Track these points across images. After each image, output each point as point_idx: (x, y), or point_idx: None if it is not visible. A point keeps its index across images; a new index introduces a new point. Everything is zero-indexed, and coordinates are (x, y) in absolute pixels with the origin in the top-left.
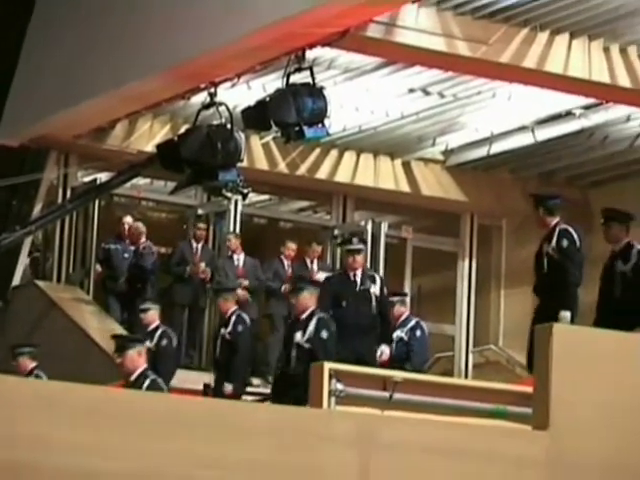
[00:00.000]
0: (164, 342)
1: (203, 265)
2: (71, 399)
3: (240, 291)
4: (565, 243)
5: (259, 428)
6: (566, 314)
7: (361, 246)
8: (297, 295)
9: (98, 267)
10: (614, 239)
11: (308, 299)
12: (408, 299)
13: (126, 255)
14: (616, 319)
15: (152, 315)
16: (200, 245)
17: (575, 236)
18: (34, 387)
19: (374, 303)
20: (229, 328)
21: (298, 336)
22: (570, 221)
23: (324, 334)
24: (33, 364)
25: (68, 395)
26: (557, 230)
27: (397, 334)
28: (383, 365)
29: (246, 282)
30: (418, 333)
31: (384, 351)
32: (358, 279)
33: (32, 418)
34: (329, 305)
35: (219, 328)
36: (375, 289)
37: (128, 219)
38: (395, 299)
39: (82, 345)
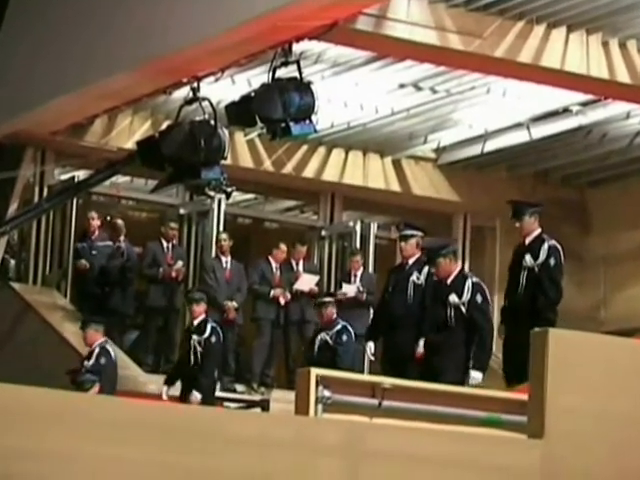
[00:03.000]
0: None
1: (180, 263)
2: (38, 405)
3: (230, 303)
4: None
5: (244, 436)
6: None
7: (408, 232)
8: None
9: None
10: (527, 232)
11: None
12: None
13: (94, 252)
14: (520, 316)
15: None
16: (171, 245)
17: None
18: None
19: (410, 292)
20: (204, 335)
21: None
22: (566, 222)
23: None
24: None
25: (34, 400)
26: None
27: (321, 337)
28: (418, 360)
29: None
30: (344, 337)
31: (422, 345)
32: (408, 268)
33: None
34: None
35: (190, 335)
36: (418, 277)
37: (93, 214)
38: (327, 300)
39: (58, 349)
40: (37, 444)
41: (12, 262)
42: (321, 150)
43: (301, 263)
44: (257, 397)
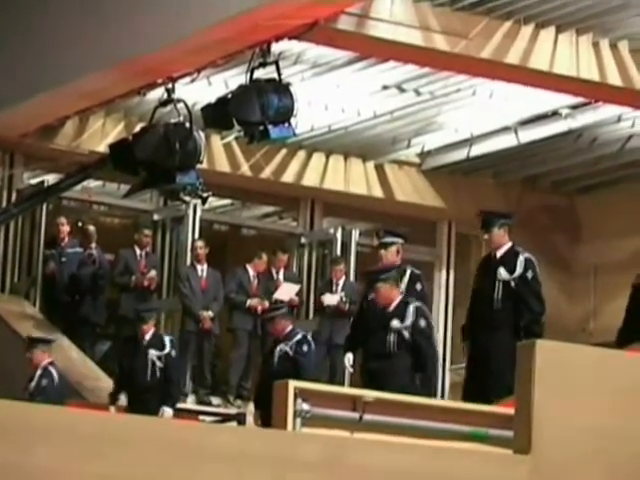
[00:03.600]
0: None
1: (153, 272)
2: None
3: (205, 312)
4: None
5: (218, 451)
6: None
7: (388, 239)
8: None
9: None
10: (497, 245)
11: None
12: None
13: (64, 259)
14: (496, 331)
15: None
16: (144, 252)
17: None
18: None
19: None
20: (165, 350)
21: None
22: (555, 230)
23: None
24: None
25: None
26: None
27: (281, 348)
28: None
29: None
30: (305, 347)
31: None
32: None
33: None
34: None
35: (146, 350)
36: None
37: (62, 220)
38: (275, 314)
39: (28, 361)
40: (23, 459)
41: None
42: (301, 154)
43: (281, 272)
44: (233, 410)
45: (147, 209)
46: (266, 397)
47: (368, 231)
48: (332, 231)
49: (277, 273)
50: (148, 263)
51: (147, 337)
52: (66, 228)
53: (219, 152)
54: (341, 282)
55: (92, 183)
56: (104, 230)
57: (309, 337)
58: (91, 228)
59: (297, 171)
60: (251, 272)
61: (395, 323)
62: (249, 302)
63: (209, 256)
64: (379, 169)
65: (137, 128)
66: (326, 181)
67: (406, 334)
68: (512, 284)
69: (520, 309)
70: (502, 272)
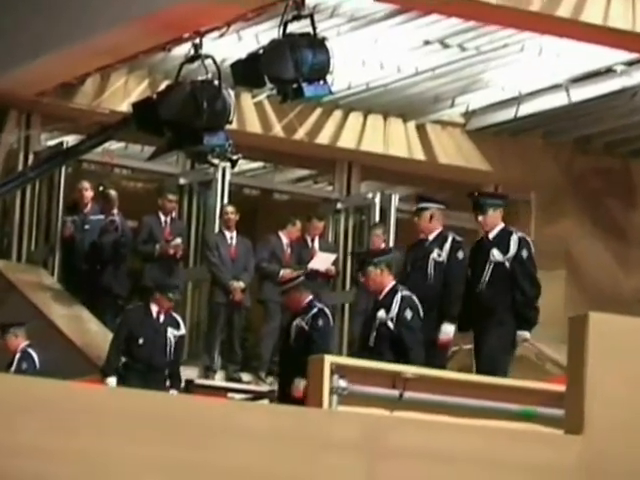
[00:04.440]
0: None
1: (179, 239)
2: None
3: (236, 283)
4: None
5: (250, 430)
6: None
7: (423, 205)
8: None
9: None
10: (490, 227)
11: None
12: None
13: (87, 227)
14: (482, 312)
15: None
16: (169, 218)
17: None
18: None
19: (430, 271)
20: (181, 331)
21: None
22: (609, 195)
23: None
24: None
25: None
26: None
27: (297, 323)
28: (445, 346)
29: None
30: (320, 322)
31: (444, 330)
32: (428, 244)
33: None
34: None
35: (165, 328)
36: (439, 253)
37: (85, 184)
38: (288, 286)
39: (45, 333)
40: (10, 436)
41: None
42: (337, 114)
43: (317, 240)
44: (265, 387)
45: (173, 172)
46: (285, 375)
47: (408, 196)
48: (370, 196)
49: (312, 241)
50: (173, 230)
51: (162, 315)
52: (89, 193)
53: (250, 112)
54: None
55: (114, 145)
56: (127, 195)
57: (327, 310)
58: (112, 193)
59: (333, 132)
60: (284, 240)
61: (381, 314)
62: (282, 272)
63: (239, 223)
64: (421, 129)
65: (162, 86)
66: (364, 142)
67: (390, 325)
68: (506, 265)
69: (513, 291)
70: (495, 253)
